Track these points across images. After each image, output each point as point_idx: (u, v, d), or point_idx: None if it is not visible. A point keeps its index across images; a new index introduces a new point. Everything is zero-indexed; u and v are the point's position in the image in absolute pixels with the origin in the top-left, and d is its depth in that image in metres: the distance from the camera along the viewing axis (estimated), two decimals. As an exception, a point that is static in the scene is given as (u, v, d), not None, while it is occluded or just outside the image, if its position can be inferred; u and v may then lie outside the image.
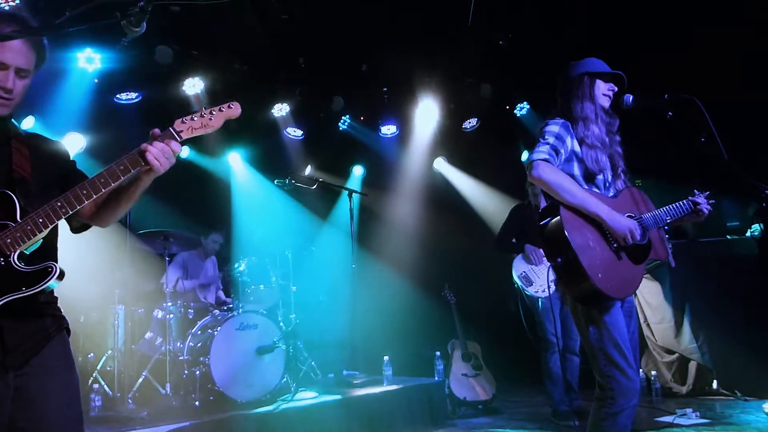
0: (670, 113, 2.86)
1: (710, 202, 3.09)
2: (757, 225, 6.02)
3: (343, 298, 6.75)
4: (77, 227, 2.20)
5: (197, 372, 4.90)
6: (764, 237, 5.85)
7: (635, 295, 3.08)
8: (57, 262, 1.91)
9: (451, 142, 8.53)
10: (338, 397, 5.13)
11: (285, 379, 5.19)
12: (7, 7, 4.60)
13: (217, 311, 5.51)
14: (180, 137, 2.00)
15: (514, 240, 5.56)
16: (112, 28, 1.65)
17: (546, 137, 2.81)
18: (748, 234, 6.11)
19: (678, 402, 5.63)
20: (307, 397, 5.10)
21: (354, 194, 6.17)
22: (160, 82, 6.37)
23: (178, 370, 5.18)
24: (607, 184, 2.95)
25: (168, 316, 5.41)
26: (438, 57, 6.76)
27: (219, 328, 4.99)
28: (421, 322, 7.51)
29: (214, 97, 6.70)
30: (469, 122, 8.31)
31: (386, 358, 5.76)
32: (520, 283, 5.32)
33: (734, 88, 5.80)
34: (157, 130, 2.00)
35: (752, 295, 5.58)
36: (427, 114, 7.95)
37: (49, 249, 2.01)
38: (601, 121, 2.94)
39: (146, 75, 6.19)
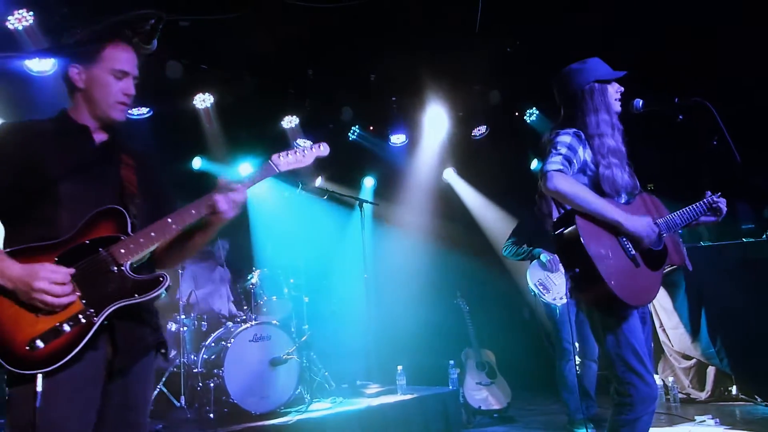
0: (680, 117, 2.84)
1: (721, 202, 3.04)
2: (772, 227, 5.96)
3: (356, 308, 6.75)
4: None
5: (211, 384, 4.91)
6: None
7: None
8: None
9: (461, 150, 8.52)
10: (353, 407, 5.11)
11: (299, 391, 5.18)
12: (20, 26, 4.66)
13: (230, 323, 5.52)
14: (278, 169, 2.29)
15: (525, 247, 5.50)
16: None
17: (558, 148, 2.75)
18: (763, 237, 6.05)
19: (697, 408, 5.57)
20: (321, 408, 5.09)
21: (365, 204, 6.18)
22: (170, 96, 6.42)
23: (192, 382, 5.19)
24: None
25: (182, 329, 5.43)
26: (446, 65, 6.77)
27: (232, 339, 5.00)
28: (435, 331, 7.49)
29: (224, 111, 6.75)
30: (478, 129, 8.30)
31: (400, 367, 5.74)
32: (536, 291, 5.28)
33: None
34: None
35: (769, 298, 5.52)
36: (436, 122, 7.95)
37: (153, 262, 2.19)
38: (617, 130, 2.87)
39: (157, 90, 6.24)
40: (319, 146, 2.41)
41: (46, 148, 2.05)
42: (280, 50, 6.16)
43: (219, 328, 5.48)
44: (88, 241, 1.98)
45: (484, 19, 5.56)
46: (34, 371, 1.80)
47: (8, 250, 1.92)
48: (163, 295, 2.06)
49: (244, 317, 5.60)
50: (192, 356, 5.35)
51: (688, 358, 6.06)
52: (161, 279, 2.03)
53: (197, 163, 7.21)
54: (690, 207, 3.01)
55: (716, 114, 2.70)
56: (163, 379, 5.33)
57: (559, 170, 2.68)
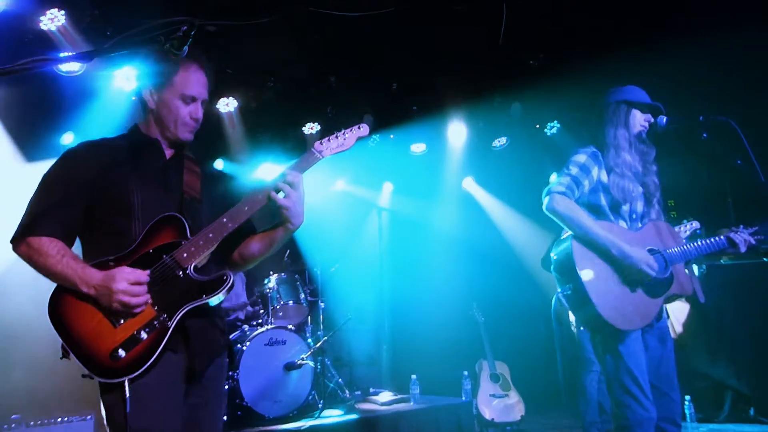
0: (705, 135, 2.83)
1: (757, 238, 3.01)
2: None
3: (371, 316, 6.76)
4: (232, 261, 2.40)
5: (226, 386, 4.93)
6: (803, 260, 5.70)
7: (668, 317, 3.02)
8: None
9: (481, 161, 8.51)
10: (365, 415, 5.11)
11: (312, 396, 5.19)
12: (53, 26, 4.74)
13: (246, 326, 5.55)
14: (322, 156, 2.29)
15: None
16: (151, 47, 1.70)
17: (570, 168, 2.83)
18: (785, 257, 5.96)
19: (713, 430, 5.48)
20: (333, 415, 5.10)
21: (383, 212, 6.19)
22: (195, 100, 6.49)
23: (207, 384, 5.21)
24: (635, 216, 2.92)
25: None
26: (468, 75, 6.78)
27: (248, 343, 5.03)
28: (449, 341, 7.47)
29: (247, 115, 6.81)
30: (499, 141, 8.29)
31: (414, 376, 5.73)
32: (563, 301, 5.24)
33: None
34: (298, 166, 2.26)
35: (790, 319, 5.44)
36: (456, 132, 7.96)
37: (216, 263, 2.23)
38: (635, 150, 2.92)
39: (182, 94, 6.31)
40: (359, 127, 2.42)
41: (121, 163, 2.16)
42: (303, 57, 6.21)
43: (235, 330, 5.51)
44: (151, 250, 2.07)
45: (508, 31, 5.56)
46: (120, 379, 1.91)
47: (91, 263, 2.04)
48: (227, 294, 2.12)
49: (260, 321, 5.63)
50: (207, 358, 5.38)
51: (706, 377, 5.98)
52: (225, 278, 2.09)
53: (219, 165, 7.28)
54: (710, 240, 2.98)
55: (741, 133, 2.68)
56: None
57: (562, 192, 2.75)
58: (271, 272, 5.98)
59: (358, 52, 6.26)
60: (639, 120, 2.95)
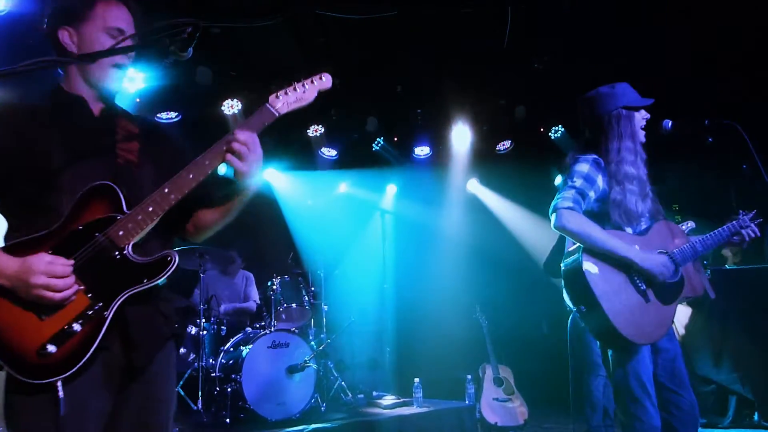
0: (710, 139, 2.81)
1: (757, 221, 2.96)
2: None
3: (374, 319, 6.75)
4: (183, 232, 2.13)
5: (229, 389, 4.93)
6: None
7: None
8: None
9: (485, 164, 8.51)
10: (368, 418, 5.10)
11: (315, 399, 5.18)
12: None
13: (249, 329, 5.55)
14: (278, 113, 1.98)
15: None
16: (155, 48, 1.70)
17: (574, 179, 2.73)
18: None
19: (718, 435, 5.47)
20: (336, 418, 5.09)
21: (386, 215, 6.18)
22: (199, 102, 6.51)
23: (209, 386, 5.22)
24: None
25: (202, 333, 5.47)
26: (472, 79, 6.79)
27: (251, 345, 5.03)
28: (453, 345, 7.44)
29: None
30: (503, 144, 8.29)
31: (417, 380, 5.72)
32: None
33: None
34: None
35: (795, 324, 5.41)
36: (460, 136, 7.96)
37: (160, 237, 1.93)
38: (640, 159, 2.83)
39: (186, 95, 6.33)
40: (321, 77, 2.08)
41: (42, 128, 1.85)
42: (307, 59, 6.22)
43: (238, 333, 5.51)
44: (81, 227, 1.78)
45: (513, 35, 5.57)
46: (52, 379, 1.66)
47: (3, 246, 1.76)
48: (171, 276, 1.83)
49: (264, 323, 5.63)
50: (210, 360, 5.38)
51: (709, 382, 5.95)
52: (169, 259, 1.80)
53: (222, 168, 7.26)
54: (713, 233, 2.94)
55: (747, 137, 2.67)
56: (181, 381, 5.37)
57: (569, 208, 2.66)
58: (274, 275, 5.97)
59: (362, 55, 6.27)
60: (640, 122, 2.86)
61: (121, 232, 1.78)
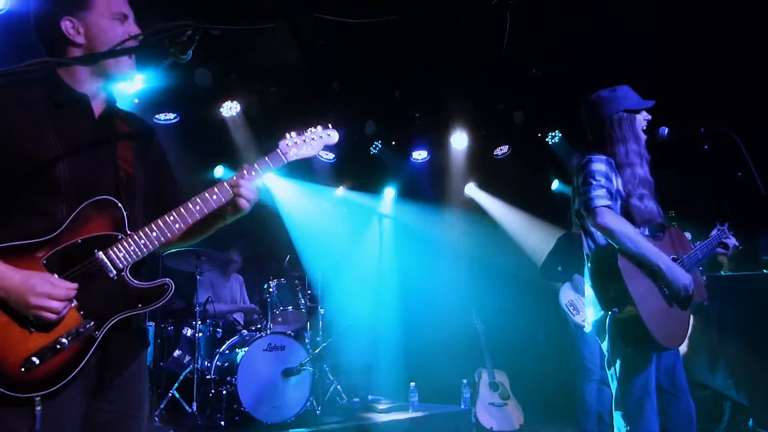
0: (706, 146, 2.83)
1: (731, 233, 3.06)
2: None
3: (371, 323, 6.74)
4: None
5: (224, 391, 4.93)
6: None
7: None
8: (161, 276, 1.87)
9: (482, 169, 8.52)
10: (363, 422, 5.10)
11: (310, 403, 5.18)
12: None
13: (245, 331, 5.55)
14: (287, 160, 2.13)
15: (559, 269, 5.47)
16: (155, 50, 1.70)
17: (597, 178, 2.70)
18: (786, 269, 5.95)
19: (712, 441, 5.47)
20: (332, 422, 5.08)
21: (384, 219, 6.19)
22: (198, 103, 6.52)
23: (205, 389, 5.21)
24: None
25: (197, 335, 5.46)
26: (470, 83, 6.80)
27: (246, 348, 5.02)
28: (449, 349, 7.44)
29: (250, 120, 6.82)
30: (501, 149, 8.30)
31: (412, 384, 5.72)
32: (567, 311, 5.24)
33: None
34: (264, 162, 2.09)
35: (790, 331, 5.42)
36: (458, 140, 7.97)
37: (152, 262, 1.99)
38: (645, 160, 2.84)
39: (185, 97, 6.34)
40: (328, 133, 2.22)
41: (38, 123, 1.74)
42: (307, 62, 6.23)
43: (234, 335, 5.51)
44: (80, 240, 1.72)
45: (511, 40, 5.58)
46: (32, 394, 1.60)
47: None
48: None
49: (260, 326, 5.63)
50: (206, 362, 5.38)
51: (705, 388, 5.95)
52: (166, 287, 1.81)
53: (219, 171, 7.27)
54: (707, 241, 3.01)
55: (742, 145, 2.68)
56: (176, 384, 5.36)
57: (608, 206, 2.65)
58: (271, 277, 5.98)
59: (361, 59, 6.28)
60: (642, 124, 2.87)
61: (121, 253, 1.77)
